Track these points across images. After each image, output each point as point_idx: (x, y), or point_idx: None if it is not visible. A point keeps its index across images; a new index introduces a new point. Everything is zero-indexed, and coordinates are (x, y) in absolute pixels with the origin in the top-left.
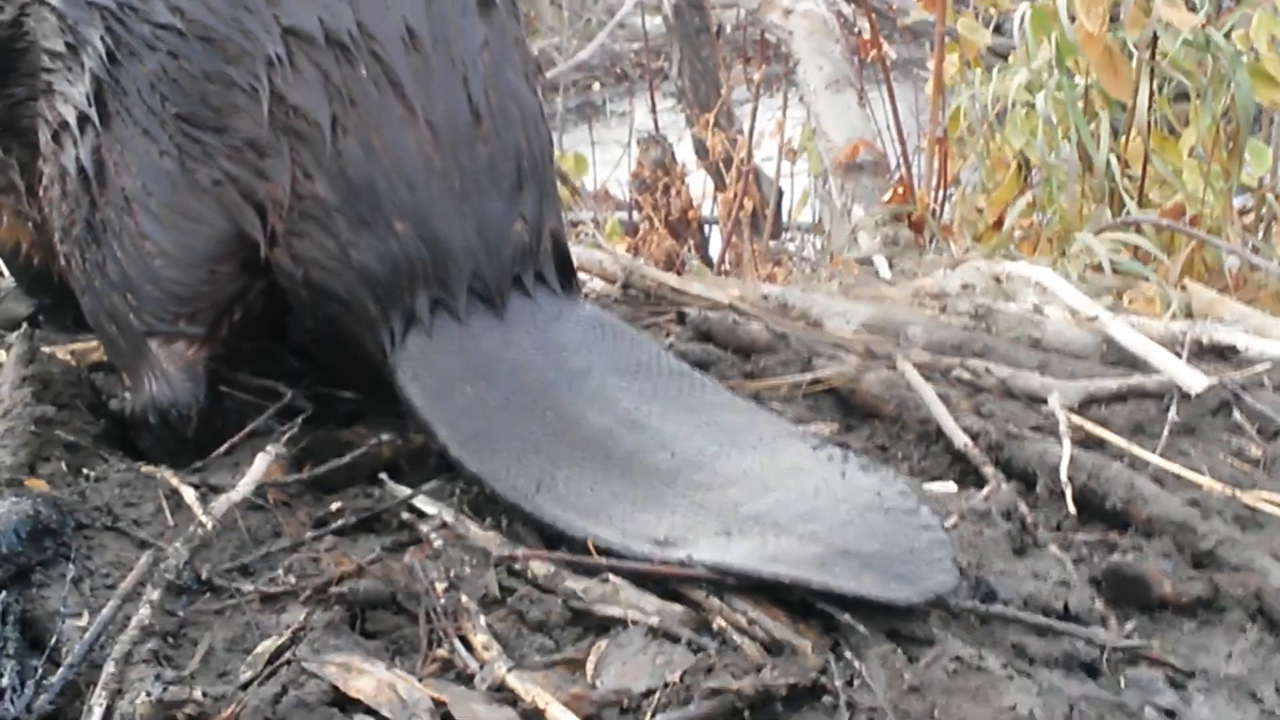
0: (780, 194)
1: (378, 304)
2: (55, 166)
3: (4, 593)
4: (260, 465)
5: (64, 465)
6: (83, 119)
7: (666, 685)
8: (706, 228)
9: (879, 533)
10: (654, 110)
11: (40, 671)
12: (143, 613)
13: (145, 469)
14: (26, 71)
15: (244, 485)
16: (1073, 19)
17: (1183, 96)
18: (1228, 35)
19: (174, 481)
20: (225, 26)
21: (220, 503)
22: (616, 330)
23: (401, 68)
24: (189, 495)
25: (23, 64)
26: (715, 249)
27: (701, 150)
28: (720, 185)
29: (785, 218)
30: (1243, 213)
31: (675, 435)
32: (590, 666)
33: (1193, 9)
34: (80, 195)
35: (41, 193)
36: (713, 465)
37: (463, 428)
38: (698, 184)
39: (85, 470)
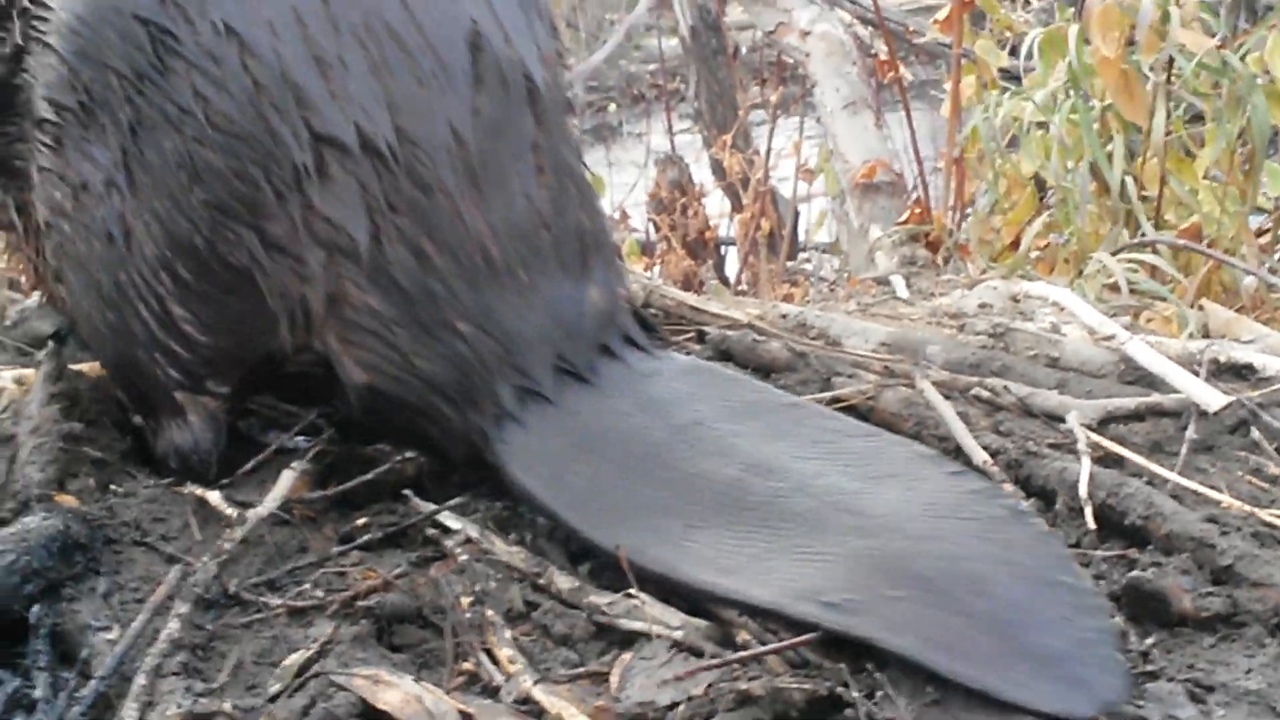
0: (797, 215)
1: (455, 408)
2: (78, 226)
3: (36, 607)
4: (285, 481)
5: (92, 481)
6: (109, 183)
7: (691, 699)
8: (723, 248)
9: (1048, 618)
10: (670, 131)
11: (72, 684)
12: (172, 626)
13: (172, 485)
14: (21, 112)
15: (270, 501)
16: (1088, 42)
17: (1198, 119)
18: (1243, 58)
19: (200, 494)
20: (250, 124)
21: (247, 517)
22: (715, 374)
23: (448, 172)
24: (215, 498)
25: (18, 102)
26: (731, 269)
27: (718, 171)
28: (737, 206)
29: (801, 238)
30: (1259, 233)
31: (806, 474)
32: (614, 680)
33: (1210, 33)
34: (106, 257)
35: (54, 248)
36: (857, 505)
37: (587, 508)
38: (715, 204)
39: (113, 486)
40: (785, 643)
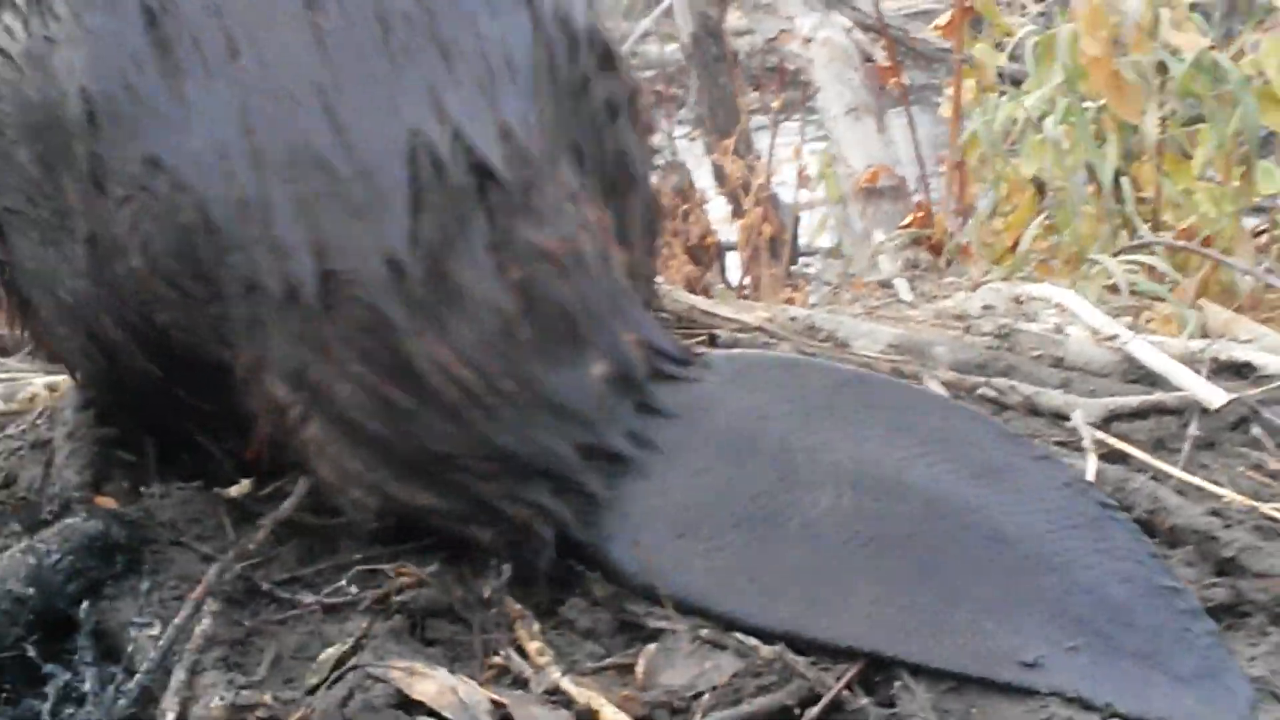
0: (798, 219)
1: (488, 528)
2: (67, 321)
3: (83, 604)
4: (303, 486)
5: (126, 484)
6: (87, 294)
7: (716, 688)
8: (724, 253)
9: (1174, 633)
10: (671, 137)
11: (118, 678)
12: (212, 622)
13: (203, 488)
14: None
15: (289, 504)
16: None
17: (1196, 119)
18: (1238, 59)
19: (232, 496)
20: (186, 266)
21: (281, 514)
22: (764, 368)
23: (394, 308)
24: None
25: None
26: (732, 274)
27: (720, 176)
28: (738, 211)
29: (803, 243)
30: (1257, 234)
31: (922, 484)
32: (641, 668)
33: (1204, 34)
34: (97, 351)
35: (58, 334)
36: (987, 520)
37: (728, 591)
38: (717, 210)
39: (146, 489)
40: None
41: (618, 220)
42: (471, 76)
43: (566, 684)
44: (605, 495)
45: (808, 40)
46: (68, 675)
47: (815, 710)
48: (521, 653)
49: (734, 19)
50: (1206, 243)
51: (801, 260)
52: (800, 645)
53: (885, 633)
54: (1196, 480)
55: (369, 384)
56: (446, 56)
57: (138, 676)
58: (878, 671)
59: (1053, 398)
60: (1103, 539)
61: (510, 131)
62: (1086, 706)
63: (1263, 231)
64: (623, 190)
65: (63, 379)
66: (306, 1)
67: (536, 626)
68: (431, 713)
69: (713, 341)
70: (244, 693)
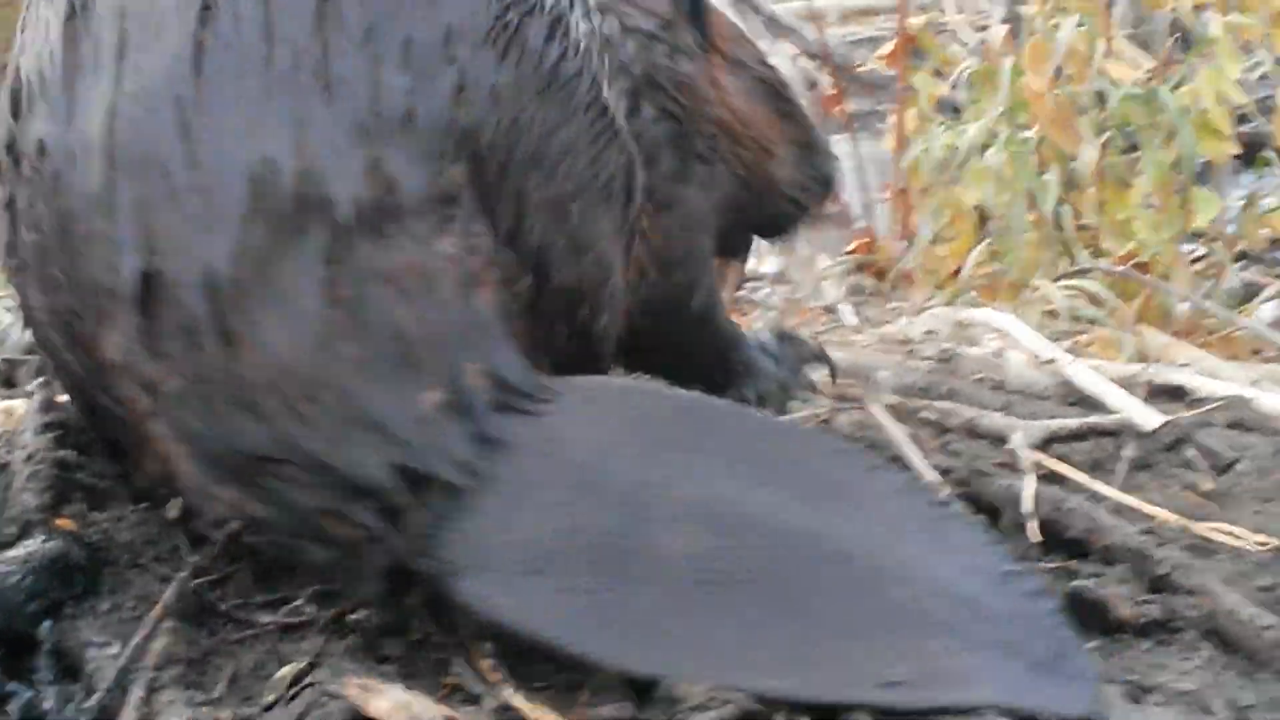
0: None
1: (323, 551)
2: None
3: (45, 624)
4: None
5: (84, 506)
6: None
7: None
8: None
9: (1022, 617)
10: None
11: (79, 696)
12: (170, 641)
13: (154, 509)
14: None
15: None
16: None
17: (1135, 147)
18: (1176, 88)
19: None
20: (64, 255)
21: (234, 533)
22: (603, 396)
23: (209, 313)
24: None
25: None
26: None
27: None
28: None
29: (749, 267)
30: (1194, 260)
31: (765, 513)
32: (587, 693)
33: (1136, 65)
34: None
35: None
36: (834, 544)
37: (578, 627)
38: None
39: (104, 511)
40: None
41: (540, 296)
42: (353, 118)
43: (518, 701)
44: (441, 526)
45: None
46: (29, 693)
47: None
48: (474, 670)
49: None
50: (1144, 269)
51: (748, 285)
52: (654, 687)
53: (754, 671)
54: (1131, 500)
55: (190, 381)
56: (329, 93)
57: (97, 694)
58: None
59: (993, 420)
60: (942, 537)
61: (380, 166)
62: (972, 711)
63: (1200, 258)
64: (544, 277)
65: (19, 403)
66: (201, 17)
67: (488, 645)
68: None
69: None
70: (202, 710)
